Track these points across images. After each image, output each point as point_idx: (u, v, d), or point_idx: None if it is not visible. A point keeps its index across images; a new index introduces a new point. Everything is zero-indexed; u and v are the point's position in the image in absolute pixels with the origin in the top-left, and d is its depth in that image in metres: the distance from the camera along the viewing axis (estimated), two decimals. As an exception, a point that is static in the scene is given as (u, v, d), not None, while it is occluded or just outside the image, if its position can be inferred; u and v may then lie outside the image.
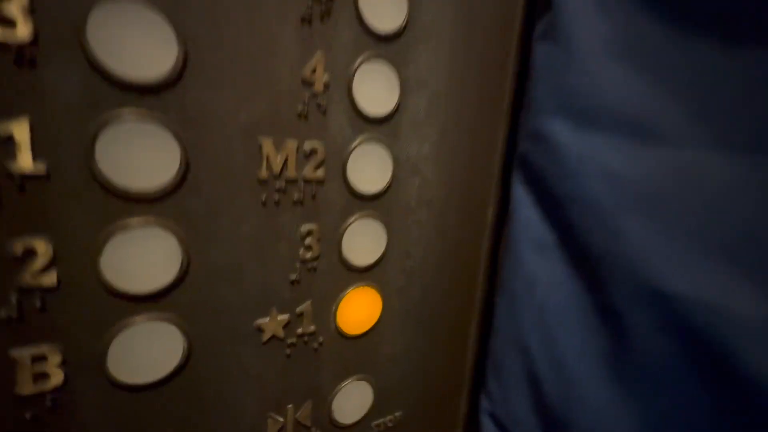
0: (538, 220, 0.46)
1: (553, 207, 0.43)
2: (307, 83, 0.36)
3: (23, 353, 0.28)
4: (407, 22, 0.40)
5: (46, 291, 0.28)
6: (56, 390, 0.30)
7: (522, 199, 0.47)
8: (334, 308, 0.43)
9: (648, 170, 0.36)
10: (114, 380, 0.32)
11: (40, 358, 0.29)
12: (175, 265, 0.33)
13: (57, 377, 0.30)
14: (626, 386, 0.38)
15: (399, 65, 0.41)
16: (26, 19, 0.24)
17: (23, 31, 0.24)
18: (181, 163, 0.31)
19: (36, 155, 0.27)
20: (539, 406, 0.46)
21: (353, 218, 0.42)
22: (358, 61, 0.38)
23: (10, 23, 0.24)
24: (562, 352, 0.43)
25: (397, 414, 0.53)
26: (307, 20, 0.34)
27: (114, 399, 0.32)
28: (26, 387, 0.29)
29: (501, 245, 0.53)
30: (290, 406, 0.43)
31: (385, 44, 0.40)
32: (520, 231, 0.47)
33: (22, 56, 0.25)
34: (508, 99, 0.50)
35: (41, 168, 0.27)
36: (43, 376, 0.29)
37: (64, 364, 0.30)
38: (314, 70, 0.36)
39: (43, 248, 0.28)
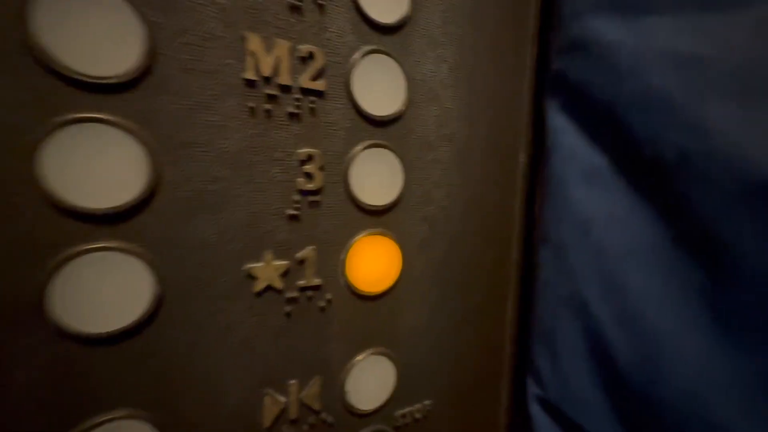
0: (586, 145, 0.38)
1: (605, 123, 0.36)
2: (300, -31, 0.30)
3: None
4: None
5: (-36, 194, 0.22)
6: (-23, 333, 0.23)
7: (562, 127, 0.40)
8: (342, 257, 0.35)
9: (732, 42, 0.28)
10: (58, 325, 0.24)
11: (-44, 287, 0.22)
12: (140, 178, 0.26)
13: (-21, 316, 0.23)
14: (735, 328, 0.28)
15: (407, -34, 0.35)
16: None
17: None
18: (146, 48, 0.25)
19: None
20: (611, 379, 0.36)
21: (362, 146, 0.35)
22: (359, -46, 0.33)
23: None
24: (636, 301, 0.33)
25: (426, 402, 0.43)
26: None
27: (56, 352, 0.25)
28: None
29: (539, 186, 0.45)
30: (293, 381, 0.34)
31: (389, -62, 0.34)
32: (563, 163, 0.39)
33: None
34: (533, 14, 0.44)
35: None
36: (-41, 311, 0.22)
37: (-11, 298, 0.23)
38: (307, -43, 0.30)
39: (-40, 136, 0.22)
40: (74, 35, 0.24)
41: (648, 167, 0.33)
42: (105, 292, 0.26)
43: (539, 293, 0.43)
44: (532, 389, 0.44)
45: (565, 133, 0.39)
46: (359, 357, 0.37)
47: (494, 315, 0.48)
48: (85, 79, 0.24)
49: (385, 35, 0.35)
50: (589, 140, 0.38)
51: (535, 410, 0.43)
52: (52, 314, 0.24)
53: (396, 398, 0.40)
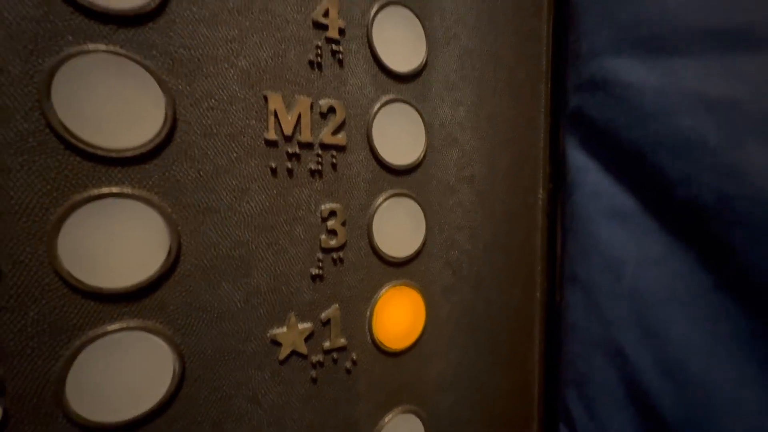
0: (610, 184, 0.37)
1: (631, 163, 0.35)
2: (320, 26, 0.30)
3: (-58, 378, 0.20)
4: (428, -37, 0.35)
5: (-22, 285, 0.21)
6: (-11, 433, 0.21)
7: (583, 164, 0.39)
8: (368, 313, 0.34)
9: (764, 83, 0.27)
10: (76, 418, 0.23)
11: (-32, 386, 0.21)
12: (161, 251, 0.25)
13: (-8, 414, 0.21)
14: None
15: (423, 15, 0.35)
16: None
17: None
18: (166, 117, 0.25)
19: (-29, 97, 0.20)
20: (652, 427, 0.34)
21: (384, 196, 0.34)
22: (376, 6, 0.32)
23: None
24: (680, 350, 0.32)
25: (457, 459, 0.41)
26: (314, -48, 0.29)
27: (75, 446, 0.23)
28: (-57, 429, 0.20)
29: (560, 222, 0.43)
30: (320, 451, 0.32)
31: (405, -11, 0.34)
32: (588, 201, 0.38)
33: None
34: (546, 54, 0.44)
35: (-23, 113, 0.20)
36: (-29, 412, 0.21)
37: (2, 393, 0.21)
38: (326, 13, 0.30)
39: (-25, 224, 0.20)
40: (94, 109, 0.23)
41: (682, 209, 0.32)
42: (124, 375, 0.24)
43: (568, 335, 0.41)
44: (568, 437, 0.42)
45: (588, 171, 0.38)
46: (387, 417, 0.35)
47: (522, 356, 0.46)
48: (104, 153, 0.23)
49: (403, 84, 0.35)
50: (615, 179, 0.37)
51: (572, 461, 0.41)
52: (70, 405, 0.22)
53: (426, 456, 0.38)
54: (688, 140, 0.30)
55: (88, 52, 0.22)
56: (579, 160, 0.40)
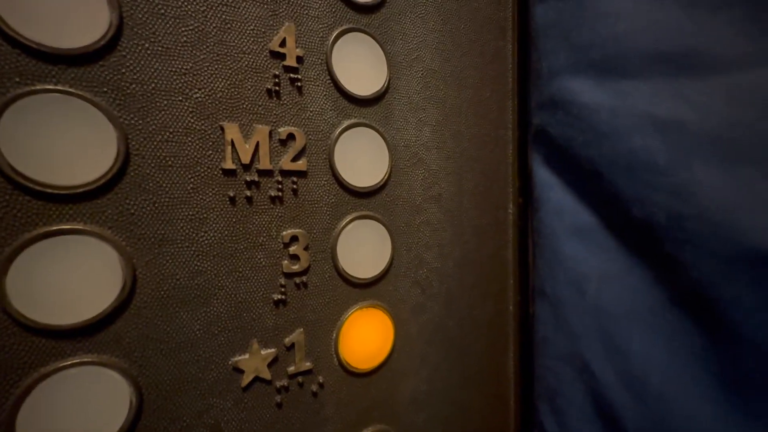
0: (573, 201, 0.37)
1: (590, 181, 0.36)
2: (276, 55, 0.30)
3: None
4: (387, -10, 0.36)
5: None
6: (-64, 477, 0.21)
7: (547, 181, 0.40)
8: (334, 336, 0.34)
9: (707, 106, 0.28)
10: (27, 456, 0.23)
11: None
12: (114, 285, 0.25)
13: (-62, 457, 0.21)
14: (743, 394, 0.27)
15: (383, 39, 0.36)
16: None
17: None
18: (118, 152, 0.25)
19: None
20: (619, 445, 0.34)
21: (347, 219, 0.34)
22: (335, 33, 0.33)
23: None
24: (641, 364, 0.32)
25: (431, 476, 0.41)
26: (269, -16, 0.30)
27: (27, 484, 0.23)
28: None
29: (530, 236, 0.44)
30: (287, 476, 0.32)
31: (364, 15, 0.35)
32: (552, 219, 0.39)
33: None
34: (512, 74, 0.45)
35: None
36: None
37: (-50, 435, 0.21)
38: (283, 42, 0.30)
39: None
40: (43, 147, 0.23)
41: (638, 227, 0.32)
42: (79, 411, 0.24)
43: (538, 348, 0.42)
44: (541, 452, 0.42)
45: (552, 188, 0.39)
46: (357, 438, 0.35)
47: (496, 371, 0.46)
48: (54, 191, 0.23)
49: (365, 107, 0.35)
50: (576, 196, 0.38)
51: (546, 476, 0.41)
52: (21, 443, 0.22)
53: (399, 476, 0.38)
54: (640, 160, 0.31)
55: (36, 92, 0.23)
56: (544, 176, 0.40)
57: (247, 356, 0.30)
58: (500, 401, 0.46)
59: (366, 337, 0.36)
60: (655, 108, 0.31)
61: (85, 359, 0.24)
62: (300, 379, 0.32)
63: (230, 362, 0.29)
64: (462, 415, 0.43)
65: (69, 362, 0.24)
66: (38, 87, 0.23)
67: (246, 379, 0.30)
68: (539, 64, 0.40)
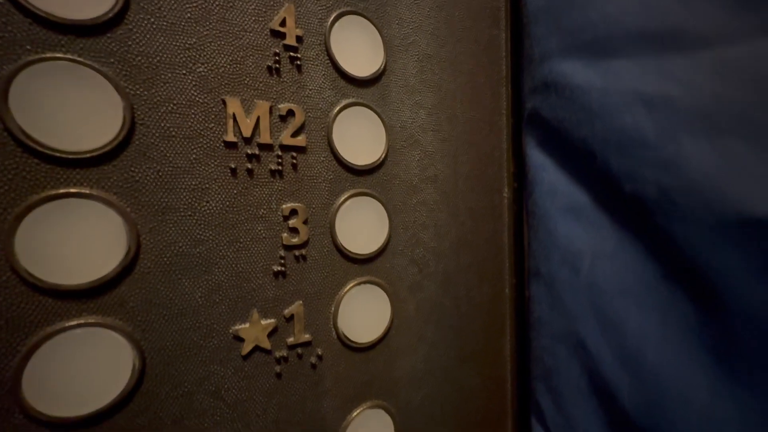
0: (566, 181, 0.38)
1: (582, 160, 0.37)
2: (277, 34, 0.31)
3: None
4: (384, -25, 0.37)
5: (-66, 282, 0.21)
6: (-56, 428, 0.21)
7: (541, 163, 0.41)
8: (332, 309, 0.35)
9: (692, 82, 0.29)
10: (32, 412, 0.23)
11: None
12: (119, 249, 0.26)
13: (-53, 409, 0.21)
14: (733, 364, 0.28)
15: (380, 23, 0.37)
16: None
17: None
18: (124, 120, 0.26)
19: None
20: (615, 420, 0.35)
21: (345, 196, 0.35)
22: (333, 15, 0.34)
23: None
24: (635, 340, 0.33)
25: (428, 454, 0.41)
26: (270, -35, 0.31)
27: (32, 440, 0.23)
28: None
29: (526, 223, 0.45)
30: (286, 446, 0.32)
31: (362, -1, 0.36)
32: (545, 200, 0.40)
33: None
34: (506, 60, 0.46)
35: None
36: (-75, 407, 0.21)
37: (-42, 389, 0.22)
38: (284, 22, 0.32)
39: (-68, 223, 0.21)
40: (52, 113, 0.24)
41: (629, 203, 0.33)
42: (83, 371, 0.25)
43: (534, 329, 0.42)
44: (537, 430, 0.43)
45: (545, 169, 0.40)
46: (355, 412, 0.36)
47: (494, 352, 0.47)
48: (62, 155, 0.24)
49: (362, 88, 0.36)
50: (569, 176, 0.38)
51: (542, 453, 0.42)
52: (27, 400, 0.23)
53: (396, 452, 0.39)
54: (630, 137, 0.32)
55: (46, 59, 0.23)
56: (538, 159, 0.41)
57: (247, 325, 0.30)
58: (498, 382, 0.47)
59: (364, 312, 0.36)
60: (644, 86, 0.32)
61: (90, 320, 0.25)
62: (299, 350, 0.33)
63: (231, 331, 0.30)
64: (460, 395, 0.44)
65: (74, 323, 0.24)
66: (48, 55, 0.24)
67: (246, 348, 0.30)
68: (532, 49, 0.41)
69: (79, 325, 0.25)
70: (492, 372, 0.47)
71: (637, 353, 0.32)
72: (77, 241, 0.24)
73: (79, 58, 0.24)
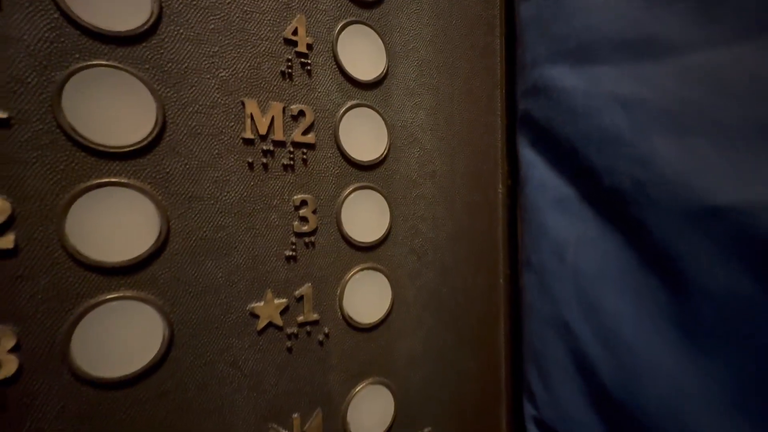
0: (554, 176, 0.42)
1: (568, 157, 0.40)
2: (289, 42, 0.35)
3: (-31, 334, 0.24)
4: (386, -12, 0.40)
5: (1, 255, 0.25)
6: (6, 382, 0.25)
7: (532, 160, 0.44)
8: (338, 292, 0.38)
9: (663, 86, 0.33)
10: (79, 372, 0.27)
11: (-11, 341, 0.25)
12: (152, 232, 0.29)
13: (9, 365, 0.25)
14: (699, 340, 0.31)
15: (382, 31, 0.40)
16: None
17: (-12, -30, 0.24)
18: (157, 119, 0.29)
19: (-3, 103, 0.25)
20: (596, 396, 0.38)
21: (350, 188, 0.39)
22: (340, 25, 0.38)
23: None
24: (613, 320, 0.36)
25: (427, 430, 0.44)
26: (284, -19, 0.35)
27: (78, 398, 0.27)
28: (-31, 376, 0.24)
29: (519, 217, 0.48)
30: (296, 415, 0.36)
31: (365, 10, 0.39)
32: (536, 194, 0.43)
33: (-14, -2, 0.24)
34: (501, 65, 0.49)
35: (3, 116, 0.25)
36: (-8, 363, 0.25)
37: (18, 349, 0.25)
38: (296, 31, 0.35)
39: (0, 205, 0.25)
40: (97, 112, 0.27)
41: (608, 196, 0.37)
42: (120, 338, 0.28)
43: (526, 315, 0.46)
44: (528, 410, 0.46)
45: (536, 166, 0.43)
46: (358, 387, 0.39)
47: (488, 338, 0.50)
48: (105, 149, 0.28)
49: (366, 90, 0.40)
50: (557, 172, 0.42)
51: (532, 431, 0.45)
52: (74, 361, 0.27)
53: (397, 426, 0.42)
54: (609, 135, 0.35)
55: (92, 66, 0.27)
56: (529, 156, 0.45)
57: (262, 304, 0.34)
58: (493, 365, 0.50)
59: (367, 295, 0.40)
60: (621, 89, 0.35)
61: (127, 294, 0.28)
62: (308, 328, 0.36)
63: (248, 308, 0.33)
64: (456, 378, 0.47)
65: (114, 296, 0.28)
66: (94, 62, 0.27)
67: (261, 324, 0.34)
68: (523, 55, 0.45)
69: (117, 298, 0.28)
70: (487, 356, 0.50)
71: (614, 332, 0.36)
72: (117, 224, 0.28)
73: (119, 65, 0.28)
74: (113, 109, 0.28)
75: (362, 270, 0.39)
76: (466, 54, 0.47)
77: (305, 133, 0.36)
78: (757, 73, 0.29)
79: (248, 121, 0.33)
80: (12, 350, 0.25)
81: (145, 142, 0.29)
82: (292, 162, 0.35)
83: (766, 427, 0.27)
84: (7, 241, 0.25)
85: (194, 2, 0.31)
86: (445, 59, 0.45)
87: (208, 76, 0.31)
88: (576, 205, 0.40)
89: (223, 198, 0.32)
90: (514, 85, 0.49)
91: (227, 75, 0.32)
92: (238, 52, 0.33)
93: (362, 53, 0.39)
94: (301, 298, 0.36)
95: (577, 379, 0.40)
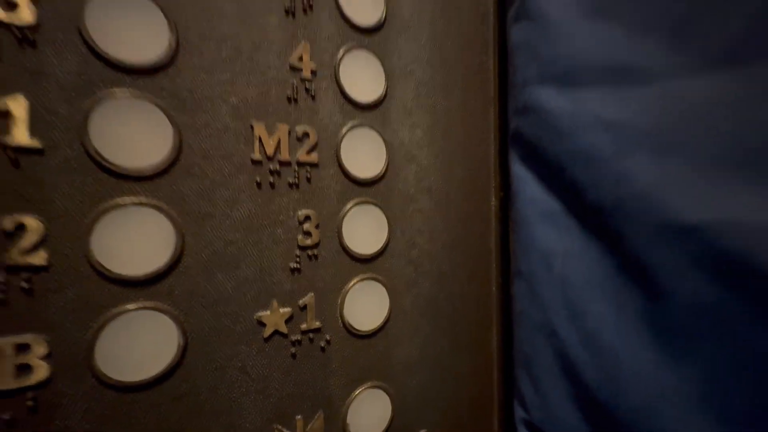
0: (543, 191, 0.44)
1: (555, 173, 0.42)
2: (295, 69, 0.37)
3: (6, 342, 0.27)
4: (386, 15, 0.43)
5: (34, 271, 0.27)
6: (39, 386, 0.27)
7: (522, 175, 0.47)
8: (339, 301, 0.40)
9: (641, 109, 0.35)
10: (102, 377, 0.29)
11: (24, 348, 0.27)
12: (168, 248, 0.32)
13: (41, 371, 0.27)
14: (672, 343, 0.33)
15: (382, 55, 0.43)
16: (29, 3, 0.27)
17: (26, 14, 0.27)
18: (174, 143, 0.32)
19: (32, 132, 0.27)
20: (582, 397, 0.40)
21: (351, 204, 0.41)
22: (342, 51, 0.40)
23: (13, 6, 0.26)
24: (596, 325, 0.39)
25: None
26: (290, 12, 0.37)
27: (101, 400, 0.29)
28: (6, 380, 0.26)
29: (509, 227, 0.51)
30: (299, 417, 0.38)
31: (366, 36, 0.42)
32: (526, 207, 0.46)
33: (24, 37, 0.27)
34: (494, 84, 0.52)
35: (36, 143, 0.27)
36: (26, 368, 0.27)
37: (49, 356, 0.28)
38: (301, 58, 0.38)
39: (34, 225, 0.27)
40: (120, 137, 0.30)
41: (592, 210, 0.39)
42: (139, 345, 0.31)
43: (516, 322, 0.48)
44: (519, 413, 0.48)
45: (526, 182, 0.46)
46: (358, 391, 0.42)
47: (482, 345, 0.52)
48: (127, 172, 0.30)
49: (366, 111, 0.42)
50: (545, 187, 0.44)
51: (523, 433, 0.47)
52: (98, 366, 0.29)
53: (394, 428, 0.44)
54: (592, 154, 0.38)
55: (115, 95, 0.30)
56: (519, 172, 0.47)
57: (268, 312, 0.36)
58: (485, 370, 0.52)
59: (366, 304, 0.42)
60: (604, 111, 0.38)
61: (147, 305, 0.31)
62: (311, 335, 0.39)
63: (255, 317, 0.36)
64: (452, 383, 0.49)
65: (134, 306, 0.30)
66: (117, 91, 0.30)
67: (267, 332, 0.36)
68: (515, 76, 0.47)
69: (137, 309, 0.30)
70: (480, 362, 0.52)
71: (597, 336, 0.38)
72: (137, 240, 0.31)
73: (140, 93, 0.31)
74: (134, 134, 0.30)
75: (362, 280, 0.42)
76: (461, 74, 0.50)
77: (309, 152, 0.38)
78: (728, 99, 0.31)
79: (257, 143, 0.35)
80: (43, 357, 0.27)
81: (163, 165, 0.31)
82: (296, 180, 0.38)
83: (729, 424, 0.30)
84: (41, 258, 0.27)
85: (208, 33, 0.33)
86: (441, 79, 0.48)
87: (220, 102, 0.34)
88: (563, 219, 0.42)
89: (234, 215, 0.35)
90: (506, 103, 0.52)
91: (237, 101, 0.35)
92: (248, 79, 0.35)
93: (363, 76, 0.42)
94: (304, 307, 0.38)
95: (564, 381, 0.43)
